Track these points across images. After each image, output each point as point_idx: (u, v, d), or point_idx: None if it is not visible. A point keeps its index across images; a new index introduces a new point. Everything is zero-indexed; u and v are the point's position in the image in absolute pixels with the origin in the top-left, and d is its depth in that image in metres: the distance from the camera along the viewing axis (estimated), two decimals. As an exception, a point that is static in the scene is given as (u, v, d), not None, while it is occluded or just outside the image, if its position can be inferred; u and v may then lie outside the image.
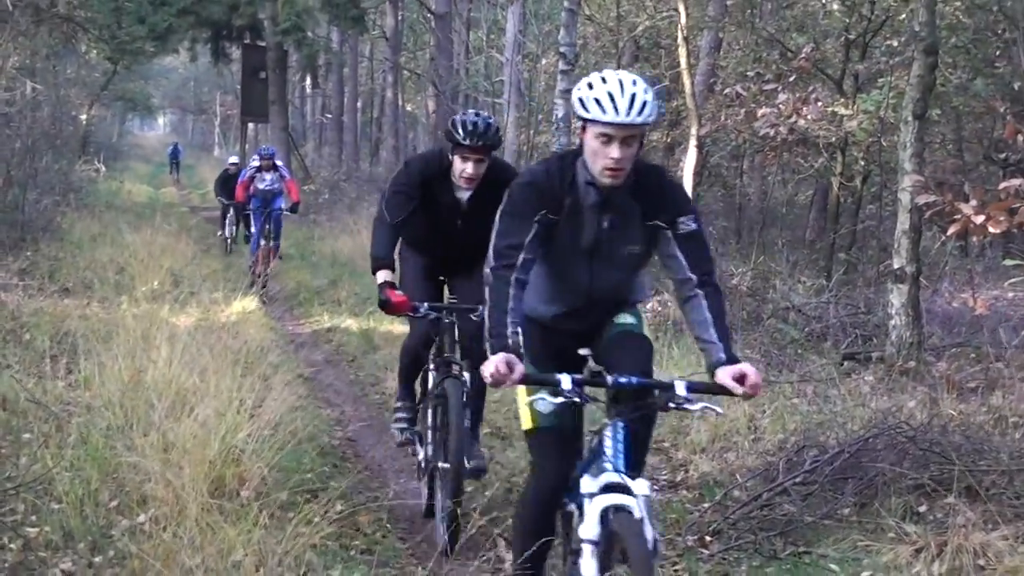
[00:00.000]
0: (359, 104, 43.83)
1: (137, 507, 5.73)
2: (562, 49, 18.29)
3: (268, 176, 17.05)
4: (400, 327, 13.26)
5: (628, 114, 4.32)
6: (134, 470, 5.96)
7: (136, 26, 26.91)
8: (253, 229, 17.30)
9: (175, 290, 11.99)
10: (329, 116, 44.53)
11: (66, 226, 17.83)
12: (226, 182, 21.85)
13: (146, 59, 31.42)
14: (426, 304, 6.56)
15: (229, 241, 21.92)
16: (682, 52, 15.02)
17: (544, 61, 26.14)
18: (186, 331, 9.05)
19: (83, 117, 33.83)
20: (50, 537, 5.38)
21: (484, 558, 6.20)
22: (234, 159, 24.62)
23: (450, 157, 6.46)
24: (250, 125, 31.94)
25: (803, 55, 13.51)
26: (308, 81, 44.60)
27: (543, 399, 4.25)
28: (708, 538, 6.34)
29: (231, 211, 21.54)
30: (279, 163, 17.71)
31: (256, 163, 17.33)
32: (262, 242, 16.68)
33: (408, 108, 41.23)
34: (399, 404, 7.30)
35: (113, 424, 6.59)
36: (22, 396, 7.28)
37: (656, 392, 4.39)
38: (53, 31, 25.75)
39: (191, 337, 8.51)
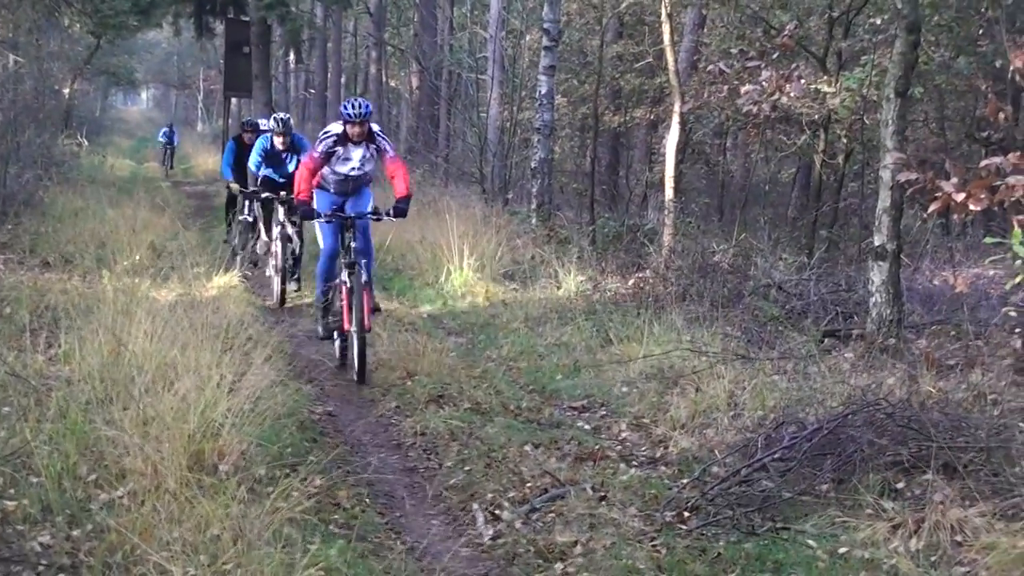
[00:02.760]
0: (343, 80, 43.71)
1: (116, 481, 5.73)
2: (546, 25, 18.39)
3: (357, 153, 10.01)
4: (387, 304, 13.24)
5: None
6: (113, 444, 5.96)
7: (119, 0, 26.76)
8: (322, 242, 10.49)
9: (157, 264, 11.95)
10: (312, 91, 44.47)
11: (48, 200, 17.71)
12: (271, 159, 13.63)
13: (129, 33, 31.14)
14: None
15: (244, 257, 13.71)
16: (665, 29, 14.99)
17: (528, 38, 26.16)
18: (167, 306, 9.03)
19: (66, 91, 33.65)
20: (28, 511, 5.37)
21: (464, 533, 6.24)
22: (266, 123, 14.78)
23: None
24: (233, 100, 31.76)
25: (786, 32, 13.44)
26: (292, 56, 44.44)
27: None
28: (686, 514, 6.36)
29: (277, 208, 13.56)
30: (375, 127, 10.05)
31: (336, 129, 9.89)
32: (343, 272, 9.93)
33: (392, 84, 41.14)
34: None
35: (93, 398, 6.58)
36: (1, 369, 7.25)
37: None
38: (36, 4, 25.52)
39: (172, 312, 8.50)
